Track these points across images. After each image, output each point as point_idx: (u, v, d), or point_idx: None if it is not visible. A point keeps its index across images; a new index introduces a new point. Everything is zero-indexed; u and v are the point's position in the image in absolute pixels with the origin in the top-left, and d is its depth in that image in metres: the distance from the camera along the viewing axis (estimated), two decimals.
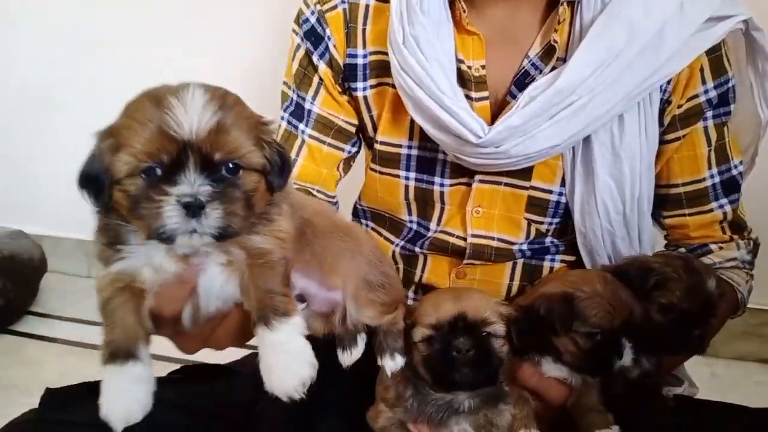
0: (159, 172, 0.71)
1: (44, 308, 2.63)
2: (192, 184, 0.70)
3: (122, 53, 2.54)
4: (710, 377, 2.07)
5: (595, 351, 0.98)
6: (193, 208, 0.70)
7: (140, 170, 0.72)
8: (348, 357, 0.98)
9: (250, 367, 0.93)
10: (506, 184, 1.17)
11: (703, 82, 1.12)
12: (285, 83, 1.27)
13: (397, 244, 1.27)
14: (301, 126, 1.24)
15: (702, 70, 1.12)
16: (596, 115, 1.05)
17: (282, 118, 1.26)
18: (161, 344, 0.87)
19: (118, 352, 0.79)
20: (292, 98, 1.25)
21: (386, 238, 1.30)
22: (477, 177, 1.17)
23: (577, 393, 1.03)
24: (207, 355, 0.95)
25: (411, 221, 1.24)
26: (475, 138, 1.05)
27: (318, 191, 1.24)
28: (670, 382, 1.22)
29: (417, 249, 1.24)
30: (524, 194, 1.17)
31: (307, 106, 1.24)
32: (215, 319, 0.86)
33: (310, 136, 1.24)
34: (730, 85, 1.14)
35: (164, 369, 1.14)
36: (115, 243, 0.79)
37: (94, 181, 0.75)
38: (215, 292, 0.82)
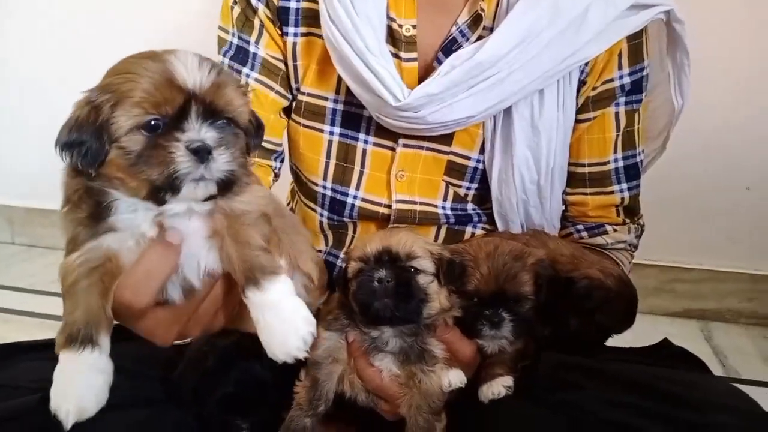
0: (161, 125, 0.72)
1: None
2: (199, 131, 0.72)
3: None
4: None
5: (467, 313, 1.02)
6: (201, 153, 0.71)
7: (143, 124, 0.71)
8: None
9: None
10: (428, 149, 1.20)
11: (620, 67, 1.16)
12: (221, 28, 1.23)
13: (321, 214, 1.29)
14: (245, 70, 1.21)
15: (620, 55, 1.15)
16: (512, 90, 1.08)
17: (221, 63, 1.21)
18: None
19: (77, 336, 0.73)
20: (231, 42, 1.21)
21: (309, 207, 1.31)
22: (401, 141, 1.19)
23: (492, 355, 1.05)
24: None
25: (324, 187, 1.24)
26: (395, 101, 1.07)
27: (265, 140, 1.22)
28: None
29: (345, 219, 1.26)
30: (444, 158, 1.21)
31: (251, 49, 1.21)
32: (200, 295, 0.84)
33: (257, 80, 1.21)
34: (644, 73, 1.17)
35: None
36: (97, 214, 0.76)
37: (80, 144, 0.72)
38: (199, 262, 0.81)
